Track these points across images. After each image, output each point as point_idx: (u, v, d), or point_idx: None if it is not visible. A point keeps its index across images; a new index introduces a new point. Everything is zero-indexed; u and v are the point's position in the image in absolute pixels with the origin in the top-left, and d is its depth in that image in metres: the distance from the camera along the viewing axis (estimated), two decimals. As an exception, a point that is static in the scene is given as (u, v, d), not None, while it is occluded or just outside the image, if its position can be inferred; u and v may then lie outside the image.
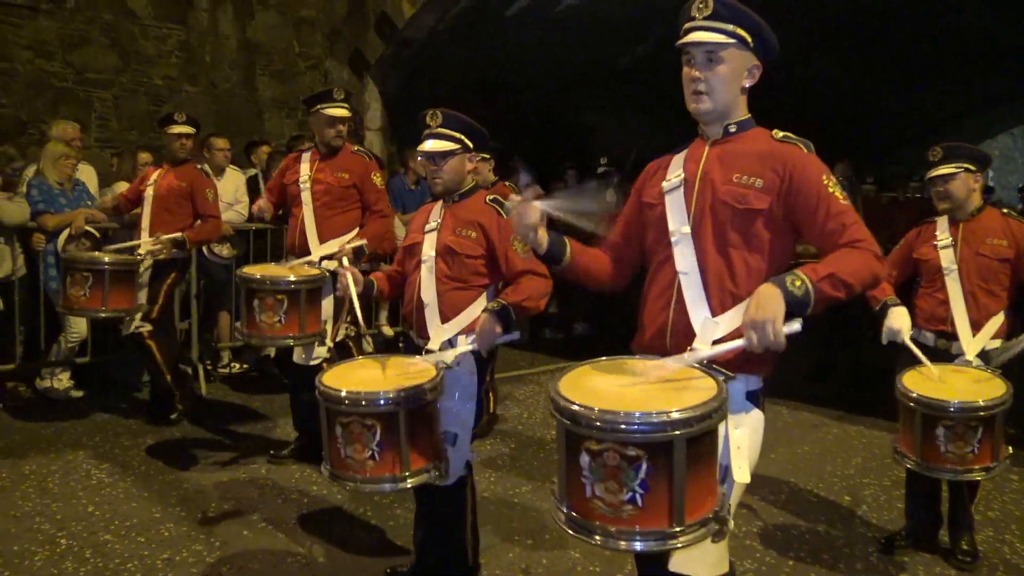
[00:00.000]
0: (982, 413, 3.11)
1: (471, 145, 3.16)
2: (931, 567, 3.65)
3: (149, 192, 5.31)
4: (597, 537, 1.83)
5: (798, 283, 1.93)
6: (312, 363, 4.38)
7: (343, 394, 2.64)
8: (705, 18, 2.15)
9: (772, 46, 2.20)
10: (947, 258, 3.67)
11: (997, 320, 3.59)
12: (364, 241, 4.37)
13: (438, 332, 3.07)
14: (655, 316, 2.26)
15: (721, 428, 1.96)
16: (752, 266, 2.16)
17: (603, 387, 1.97)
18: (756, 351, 1.92)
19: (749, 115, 2.26)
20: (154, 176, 5.39)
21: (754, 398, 2.19)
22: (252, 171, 7.09)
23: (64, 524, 3.81)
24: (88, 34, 7.28)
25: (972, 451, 3.14)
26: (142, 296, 5.15)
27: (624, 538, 1.80)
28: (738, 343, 1.95)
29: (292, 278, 3.97)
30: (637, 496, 1.77)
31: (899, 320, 3.49)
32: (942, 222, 3.78)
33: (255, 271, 4.09)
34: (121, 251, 5.08)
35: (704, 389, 1.91)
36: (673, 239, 2.23)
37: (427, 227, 3.21)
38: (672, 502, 1.78)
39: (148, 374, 5.63)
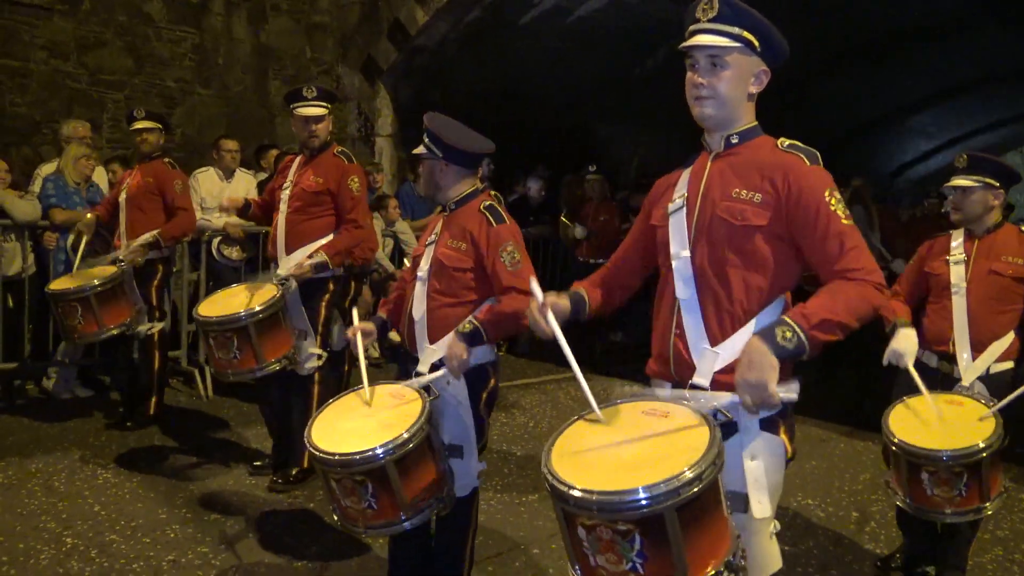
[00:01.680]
0: (965, 460, 3.00)
1: (439, 155, 3.03)
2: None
3: (122, 196, 5.26)
4: None
5: (788, 334, 1.86)
6: (305, 373, 4.31)
7: (330, 457, 2.64)
8: (710, 20, 2.04)
9: (781, 50, 2.09)
10: (956, 275, 3.50)
11: (1004, 342, 3.42)
12: (324, 258, 4.20)
13: (427, 354, 3.00)
14: (660, 343, 2.19)
15: (734, 460, 1.92)
16: (752, 285, 2.05)
17: (594, 451, 1.93)
18: (751, 412, 1.89)
19: (755, 123, 2.14)
20: (127, 179, 5.35)
21: (771, 425, 2.04)
22: (263, 175, 7.10)
23: (70, 523, 3.80)
24: (103, 36, 7.31)
25: (959, 494, 3.05)
26: (139, 301, 5.10)
27: None
28: (735, 399, 1.91)
29: (228, 316, 3.83)
30: (637, 565, 1.75)
31: (904, 343, 3.36)
32: (957, 236, 3.59)
33: (204, 308, 4.01)
34: (107, 262, 5.01)
35: (697, 439, 1.84)
36: (673, 263, 2.15)
37: (428, 240, 3.14)
38: (674, 566, 1.75)
39: (136, 371, 5.44)
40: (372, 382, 2.93)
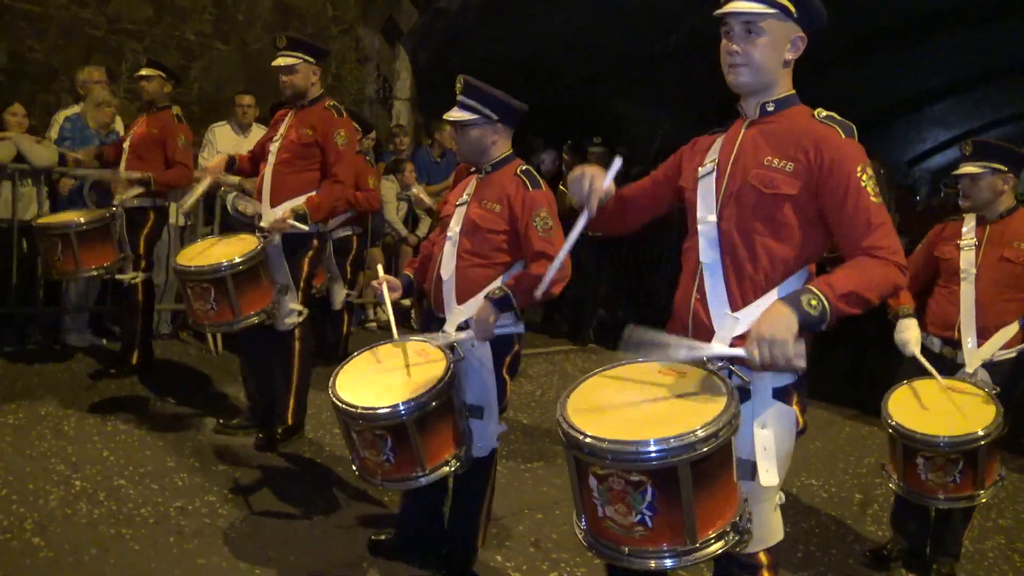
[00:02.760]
0: (962, 447, 3.01)
1: (494, 117, 3.03)
2: None
3: (127, 143, 5.23)
4: (614, 555, 1.85)
5: (814, 302, 1.85)
6: (284, 329, 4.25)
7: (353, 409, 2.68)
8: None
9: (818, 15, 2.06)
10: (967, 260, 3.48)
11: (1010, 330, 3.40)
12: (303, 210, 4.09)
13: (454, 313, 3.02)
14: (681, 306, 2.19)
15: (745, 428, 1.92)
16: (778, 255, 2.05)
17: (610, 404, 1.94)
18: (755, 368, 1.88)
19: (792, 91, 2.12)
20: (135, 126, 5.32)
21: (784, 396, 2.05)
22: (279, 132, 7.06)
23: (79, 467, 3.82)
24: (124, -16, 7.25)
25: (953, 480, 3.08)
26: (126, 248, 5.08)
27: (637, 556, 1.81)
28: (739, 351, 1.89)
29: (207, 266, 3.82)
30: (646, 518, 1.77)
31: (908, 332, 3.40)
32: (969, 220, 3.57)
33: (183, 257, 4.00)
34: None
35: (713, 401, 1.85)
36: (699, 228, 2.14)
37: (459, 200, 3.14)
38: (683, 522, 1.76)
39: (122, 321, 5.46)
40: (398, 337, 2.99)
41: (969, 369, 3.36)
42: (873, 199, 1.98)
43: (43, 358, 5.48)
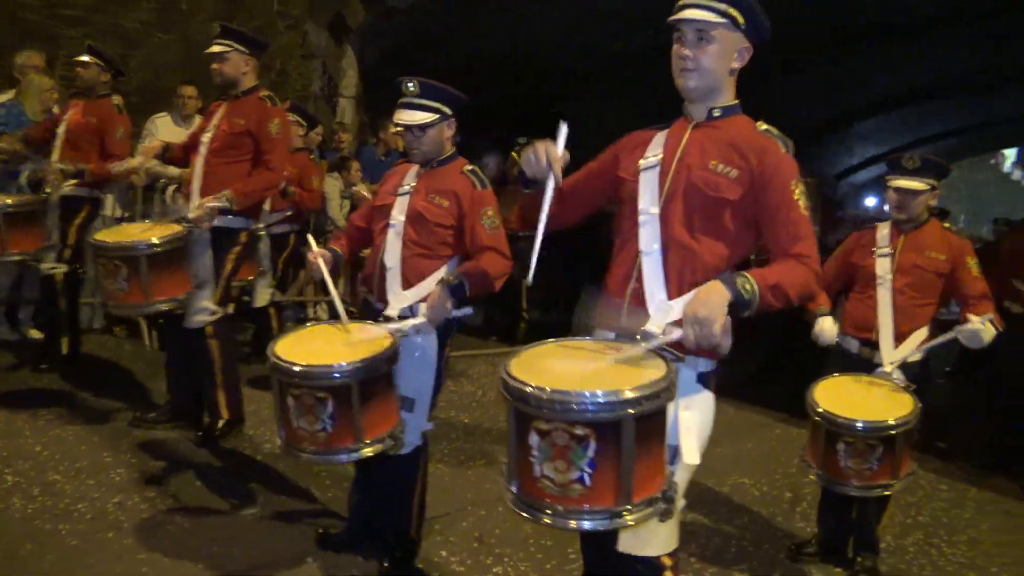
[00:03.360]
0: (883, 433, 3.17)
1: (450, 113, 3.09)
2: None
3: (61, 128, 5.05)
4: (545, 517, 1.87)
5: (748, 286, 1.96)
6: (191, 327, 4.14)
7: (295, 367, 2.62)
8: None
9: (763, 28, 2.20)
10: (883, 267, 3.64)
11: (922, 333, 3.59)
12: (228, 196, 3.97)
13: (398, 298, 3.04)
14: (616, 292, 2.27)
15: (671, 409, 1.99)
16: (714, 252, 2.16)
17: (553, 368, 2.00)
18: (690, 347, 1.96)
19: (736, 100, 2.25)
20: (68, 111, 5.15)
21: (705, 380, 2.18)
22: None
23: (10, 462, 3.73)
24: (63, -31, 7.07)
25: (871, 468, 3.22)
26: (53, 236, 4.92)
27: (572, 517, 1.85)
28: (676, 334, 1.97)
29: (124, 242, 3.73)
30: (585, 475, 1.81)
31: (823, 325, 3.66)
32: (883, 228, 3.74)
33: (103, 234, 3.92)
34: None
35: (654, 370, 1.94)
36: (641, 218, 2.22)
37: (400, 189, 3.15)
38: (620, 482, 1.81)
39: (46, 315, 5.29)
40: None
41: (887, 368, 3.54)
42: (803, 211, 2.13)
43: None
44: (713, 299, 1.91)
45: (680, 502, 2.15)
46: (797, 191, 2.13)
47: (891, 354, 3.56)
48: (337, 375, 2.62)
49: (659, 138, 2.31)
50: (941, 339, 3.54)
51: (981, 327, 3.46)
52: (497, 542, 3.59)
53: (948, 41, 10.02)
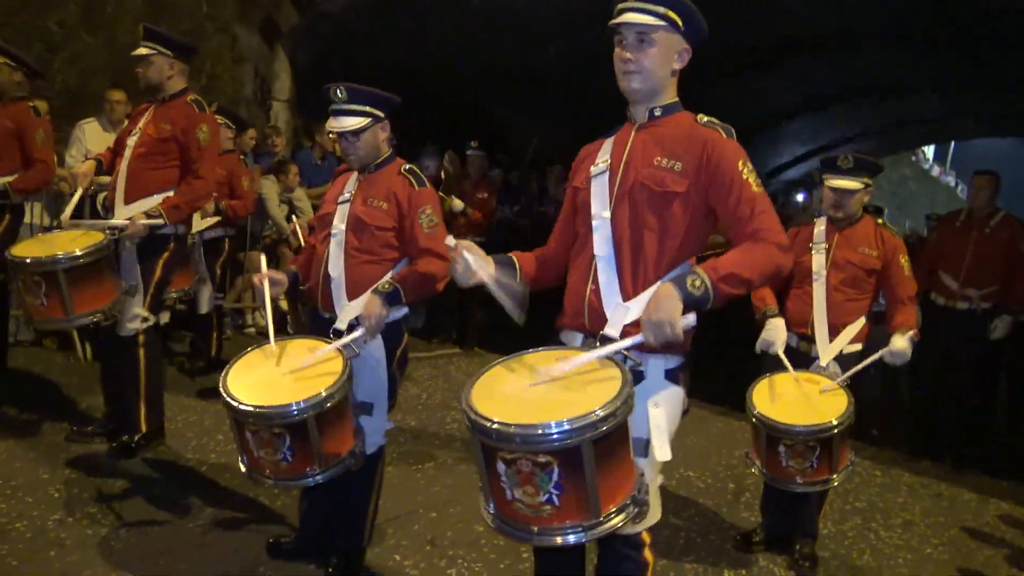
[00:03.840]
0: (819, 435, 3.27)
1: (382, 115, 3.08)
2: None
3: None
4: (522, 535, 1.95)
5: (698, 283, 2.01)
6: (124, 334, 4.06)
7: (247, 407, 2.62)
8: None
9: (701, 30, 2.26)
10: (818, 262, 3.73)
11: (856, 326, 3.68)
12: (159, 214, 3.94)
13: (346, 311, 3.01)
14: (574, 297, 2.30)
15: (639, 408, 2.04)
16: (665, 247, 2.21)
17: (511, 392, 2.04)
18: (654, 347, 2.02)
19: (677, 99, 2.31)
20: None
21: (673, 376, 2.22)
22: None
23: (-59, 482, 3.59)
24: (-20, -31, 6.80)
25: (811, 466, 3.33)
26: None
27: (547, 534, 1.92)
28: (637, 339, 2.03)
29: (43, 258, 3.61)
30: (553, 497, 1.87)
31: (775, 333, 3.66)
32: (820, 224, 3.82)
33: (18, 249, 3.79)
34: None
35: (609, 383, 1.97)
36: (594, 223, 2.27)
37: (340, 198, 3.14)
38: (587, 498, 1.88)
39: None
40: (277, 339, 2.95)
41: (823, 362, 3.64)
42: (755, 188, 2.18)
43: None
44: (664, 303, 1.97)
45: (659, 479, 2.22)
46: (745, 171, 2.18)
47: (826, 349, 3.66)
48: (294, 411, 2.62)
49: (607, 145, 2.36)
50: (869, 361, 3.62)
51: (906, 347, 3.58)
52: (450, 544, 3.59)
53: (856, 53, 10.44)
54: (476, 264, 2.20)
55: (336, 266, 3.05)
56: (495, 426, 1.87)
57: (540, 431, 1.83)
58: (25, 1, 7.08)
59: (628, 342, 2.07)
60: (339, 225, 3.08)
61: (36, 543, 3.16)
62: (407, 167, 3.14)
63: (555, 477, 1.85)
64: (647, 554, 2.25)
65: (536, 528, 1.91)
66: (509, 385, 2.08)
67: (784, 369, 3.59)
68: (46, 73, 6.35)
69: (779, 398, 3.44)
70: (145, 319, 4.06)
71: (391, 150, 3.19)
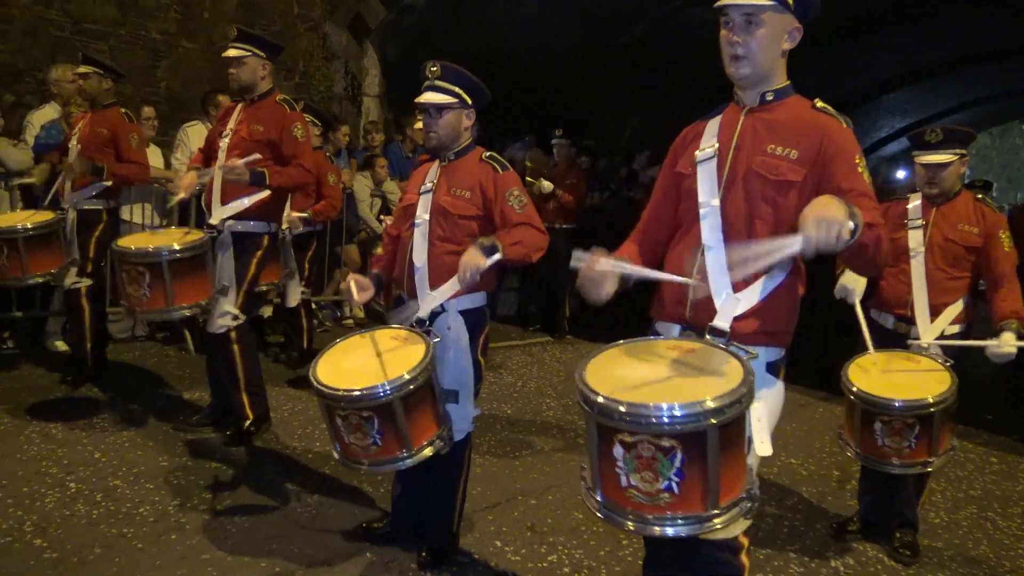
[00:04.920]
0: (920, 411, 3.13)
1: (469, 101, 3.09)
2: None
3: (73, 142, 5.00)
4: (631, 524, 1.89)
5: (856, 219, 1.87)
6: (216, 331, 4.18)
7: (337, 392, 2.69)
8: None
9: (813, 5, 2.15)
10: (915, 239, 3.58)
11: (957, 307, 3.53)
12: (263, 168, 4.04)
13: (428, 299, 3.04)
14: (674, 287, 2.23)
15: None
16: (778, 237, 2.07)
17: (630, 375, 1.98)
18: (807, 252, 1.85)
19: (788, 82, 2.20)
20: (79, 124, 5.08)
21: (774, 370, 2.16)
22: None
23: (72, 468, 3.82)
24: (88, -17, 7.17)
25: (909, 446, 3.19)
26: (73, 252, 4.87)
27: (659, 524, 1.86)
28: (794, 245, 1.85)
29: (150, 248, 3.77)
30: (673, 484, 1.82)
31: (852, 280, 3.51)
32: (915, 199, 3.67)
33: (125, 240, 3.94)
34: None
35: (730, 372, 1.92)
36: (702, 211, 2.18)
37: (422, 188, 3.17)
38: (707, 487, 1.83)
39: (70, 334, 5.21)
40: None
41: (924, 342, 3.49)
42: (867, 186, 2.10)
43: (21, 363, 5.43)
44: (832, 204, 1.84)
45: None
46: (860, 165, 2.10)
47: (927, 329, 3.51)
48: (380, 394, 2.67)
49: (711, 127, 2.28)
50: (973, 344, 3.46)
51: (1011, 351, 3.38)
52: (549, 530, 3.62)
53: (970, 14, 9.89)
54: (606, 264, 2.12)
55: (420, 255, 3.09)
56: (611, 404, 1.82)
57: (664, 411, 1.78)
58: (128, 12, 7.42)
59: (784, 252, 1.88)
60: (423, 215, 3.12)
61: (158, 527, 3.33)
62: (488, 154, 3.15)
63: (677, 463, 1.81)
64: (743, 558, 2.18)
65: (651, 516, 1.86)
66: (624, 368, 2.04)
67: (880, 345, 3.46)
68: (150, 80, 6.66)
69: (877, 373, 3.33)
70: (235, 316, 4.18)
71: (472, 139, 3.20)
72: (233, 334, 4.21)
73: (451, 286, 2.98)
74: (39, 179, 4.96)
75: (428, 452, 2.85)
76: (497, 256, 2.87)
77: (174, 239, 3.94)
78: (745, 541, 2.16)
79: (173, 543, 3.22)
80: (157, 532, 3.29)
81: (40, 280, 4.67)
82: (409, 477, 3.27)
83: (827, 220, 1.82)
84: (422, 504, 3.31)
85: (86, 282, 4.95)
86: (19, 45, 6.81)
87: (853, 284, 3.54)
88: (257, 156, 4.04)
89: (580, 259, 2.14)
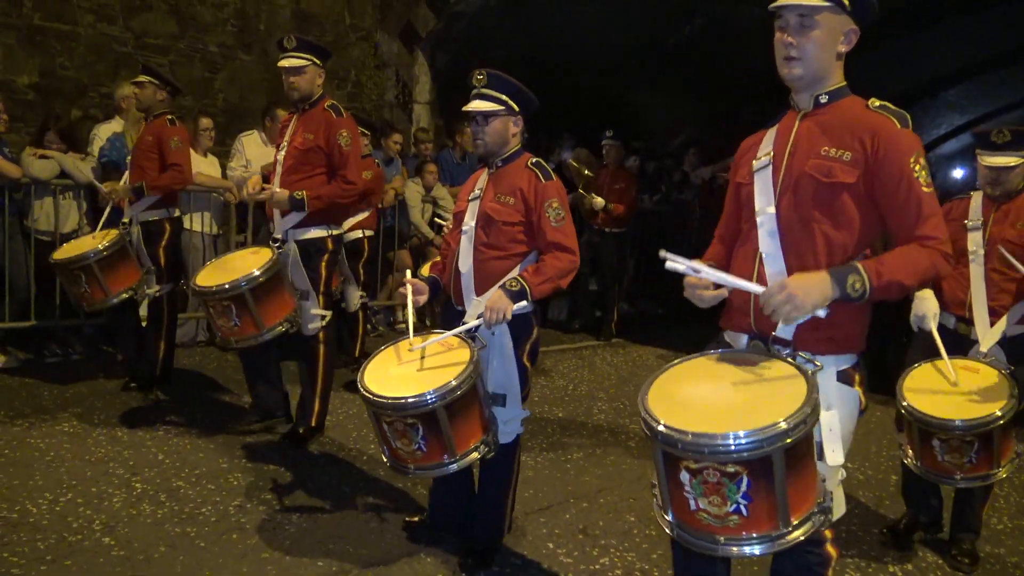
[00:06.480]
0: (978, 429, 3.04)
1: (516, 108, 3.13)
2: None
3: (129, 156, 5.17)
4: (707, 545, 1.90)
5: (858, 285, 1.93)
6: (309, 333, 4.30)
7: (382, 399, 2.77)
8: None
9: (870, 8, 2.11)
10: (974, 241, 3.51)
11: (1020, 308, 3.43)
12: (302, 194, 4.09)
13: (474, 306, 3.10)
14: (740, 295, 2.21)
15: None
16: (836, 242, 2.09)
17: (692, 398, 1.99)
18: (763, 309, 1.97)
19: (844, 83, 2.17)
20: (139, 136, 5.19)
21: (846, 377, 2.12)
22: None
23: (137, 470, 3.95)
24: (148, 0, 7.40)
25: (969, 461, 3.11)
26: (146, 263, 4.99)
27: (734, 544, 1.87)
28: (753, 288, 2.01)
29: (227, 285, 3.85)
30: (742, 507, 1.83)
31: (926, 305, 3.41)
32: (976, 199, 3.59)
33: (202, 277, 4.03)
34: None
35: (795, 390, 1.91)
36: (758, 219, 2.18)
37: (471, 195, 3.24)
38: (776, 507, 1.83)
39: (144, 339, 5.23)
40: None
41: (983, 348, 3.40)
42: (925, 188, 2.04)
43: (88, 369, 5.63)
44: (816, 289, 1.92)
45: (841, 472, 2.13)
46: (917, 167, 2.04)
47: (986, 333, 3.42)
48: (425, 401, 2.73)
49: (769, 135, 2.27)
50: None
51: None
52: (601, 533, 3.63)
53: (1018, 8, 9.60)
54: (707, 273, 2.10)
55: (466, 261, 3.15)
56: (675, 434, 1.84)
57: (728, 440, 1.79)
58: (187, 27, 7.64)
59: (748, 285, 2.02)
60: (469, 221, 3.18)
61: (220, 527, 3.43)
62: (534, 160, 3.19)
63: (744, 487, 1.81)
64: (829, 548, 2.18)
65: (723, 538, 1.87)
66: (689, 388, 2.05)
67: (938, 354, 3.33)
68: (208, 92, 6.85)
69: (932, 387, 3.23)
70: (323, 316, 4.32)
71: (520, 145, 3.24)
72: (321, 335, 4.34)
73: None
74: (124, 193, 5.08)
75: (474, 456, 2.91)
76: (524, 304, 2.99)
77: (248, 265, 3.97)
78: (829, 533, 2.16)
79: (234, 542, 3.31)
80: (219, 531, 3.39)
81: (125, 296, 4.82)
82: (450, 478, 3.29)
83: (789, 299, 1.91)
84: (470, 503, 3.36)
85: (163, 288, 5.08)
86: (84, 61, 7.07)
87: (925, 309, 3.41)
88: (300, 195, 4.11)
89: (672, 260, 2.03)
